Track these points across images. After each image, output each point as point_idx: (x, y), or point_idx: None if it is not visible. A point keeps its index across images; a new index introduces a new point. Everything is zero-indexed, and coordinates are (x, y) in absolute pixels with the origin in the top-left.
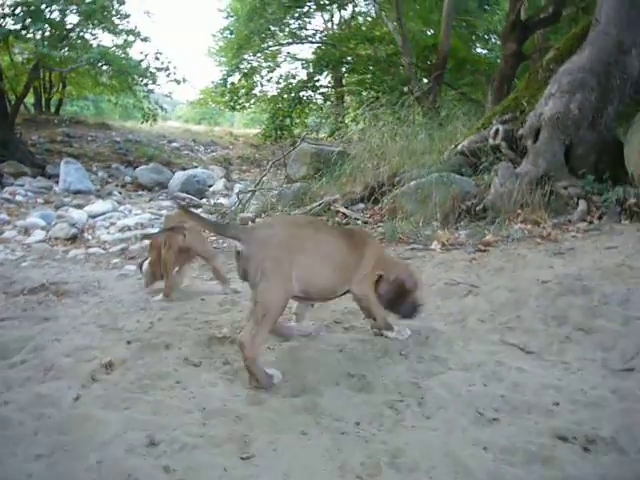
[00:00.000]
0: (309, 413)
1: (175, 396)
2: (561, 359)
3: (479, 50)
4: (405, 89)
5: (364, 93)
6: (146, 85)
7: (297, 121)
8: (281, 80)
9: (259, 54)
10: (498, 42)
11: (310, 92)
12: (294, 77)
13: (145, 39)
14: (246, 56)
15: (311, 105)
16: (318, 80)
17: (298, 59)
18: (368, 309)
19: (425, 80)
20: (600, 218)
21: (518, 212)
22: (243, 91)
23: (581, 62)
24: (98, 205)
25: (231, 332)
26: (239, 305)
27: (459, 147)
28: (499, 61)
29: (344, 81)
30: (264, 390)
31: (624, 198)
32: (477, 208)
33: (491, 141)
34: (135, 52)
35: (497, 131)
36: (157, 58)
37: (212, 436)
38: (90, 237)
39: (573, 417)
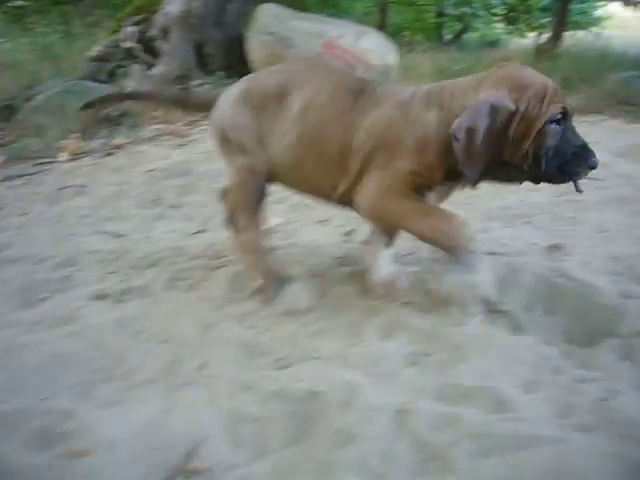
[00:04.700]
0: None
1: None
2: (146, 235)
3: None
4: None
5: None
6: None
7: None
8: None
9: None
10: None
11: None
12: None
13: None
14: None
15: None
16: None
17: None
18: None
19: None
20: None
21: (155, 113)
22: None
23: None
24: None
25: None
26: None
27: (94, 53)
28: None
29: None
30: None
31: None
32: (116, 114)
33: (125, 44)
34: None
35: (130, 33)
36: None
37: None
38: None
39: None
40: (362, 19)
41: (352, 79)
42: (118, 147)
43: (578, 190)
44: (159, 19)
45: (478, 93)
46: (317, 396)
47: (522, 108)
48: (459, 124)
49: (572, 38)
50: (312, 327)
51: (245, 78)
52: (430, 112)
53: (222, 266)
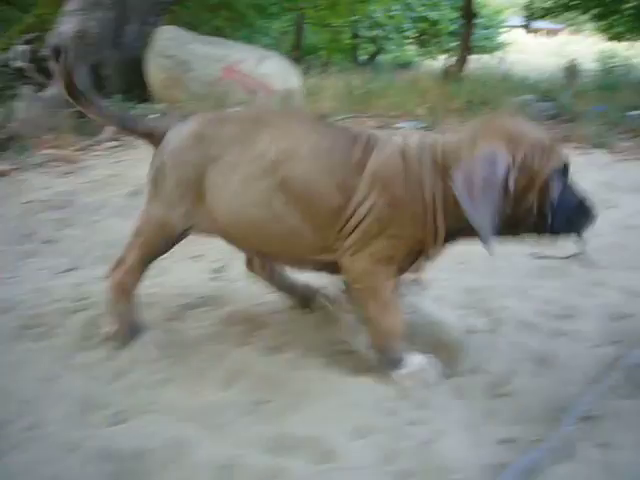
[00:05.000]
0: None
1: None
2: (12, 275)
3: None
4: None
5: None
6: None
7: None
8: None
9: None
10: None
11: None
12: None
13: None
14: None
15: None
16: None
17: None
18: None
19: None
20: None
21: (46, 138)
22: None
23: None
24: None
25: None
26: None
27: None
28: None
29: None
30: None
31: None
32: (3, 137)
33: (15, 63)
34: None
35: (21, 52)
36: None
37: None
38: None
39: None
40: (278, 39)
41: (336, 130)
42: (2, 174)
43: (582, 246)
44: (53, 38)
45: (474, 149)
46: (144, 455)
47: (519, 160)
48: (456, 172)
49: (478, 62)
50: (157, 376)
51: (200, 119)
52: (425, 172)
53: (82, 309)
